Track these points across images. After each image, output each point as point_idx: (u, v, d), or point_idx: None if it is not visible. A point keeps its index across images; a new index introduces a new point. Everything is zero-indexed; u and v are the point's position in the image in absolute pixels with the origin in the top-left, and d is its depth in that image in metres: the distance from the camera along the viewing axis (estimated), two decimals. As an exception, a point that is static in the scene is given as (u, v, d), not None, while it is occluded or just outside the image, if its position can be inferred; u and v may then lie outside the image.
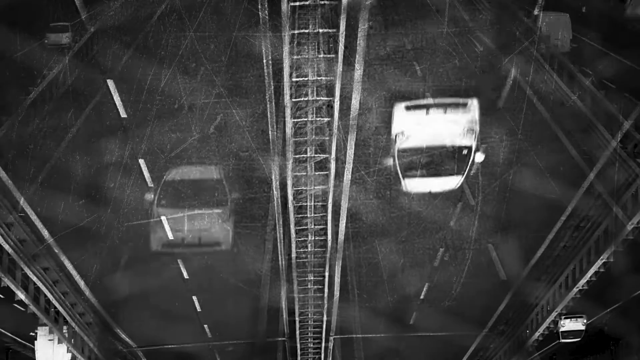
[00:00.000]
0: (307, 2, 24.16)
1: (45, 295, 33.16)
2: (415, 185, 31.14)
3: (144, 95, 32.01)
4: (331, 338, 39.76)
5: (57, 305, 34.11)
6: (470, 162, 30.47)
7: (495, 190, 33.02)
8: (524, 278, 36.12)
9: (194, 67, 33.28)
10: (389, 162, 31.13)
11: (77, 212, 32.32)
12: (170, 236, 34.29)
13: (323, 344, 39.95)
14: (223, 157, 33.01)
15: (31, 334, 35.92)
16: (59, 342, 34.10)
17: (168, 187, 32.33)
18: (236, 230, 34.32)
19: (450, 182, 31.10)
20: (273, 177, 31.01)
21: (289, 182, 28.79)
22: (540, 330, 36.74)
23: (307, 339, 39.59)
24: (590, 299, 34.40)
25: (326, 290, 34.83)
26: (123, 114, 32.39)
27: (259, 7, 27.22)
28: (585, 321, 33.22)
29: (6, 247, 29.78)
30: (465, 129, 29.85)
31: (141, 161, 32.73)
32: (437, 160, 30.47)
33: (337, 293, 35.34)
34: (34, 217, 31.18)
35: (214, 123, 33.07)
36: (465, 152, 30.29)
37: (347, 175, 29.19)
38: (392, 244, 34.83)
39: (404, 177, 31.04)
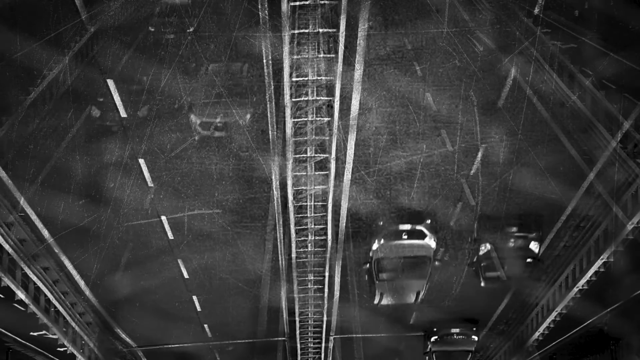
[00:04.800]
0: (307, 2, 24.18)
1: (45, 295, 33.19)
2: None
3: (144, 95, 32.00)
4: (331, 338, 39.78)
5: (57, 305, 34.14)
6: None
7: (495, 190, 33.02)
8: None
9: (194, 67, 33.25)
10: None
11: (77, 212, 32.33)
12: (171, 236, 34.33)
13: (323, 344, 39.97)
14: (223, 157, 33.01)
15: (31, 334, 35.96)
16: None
17: None
18: (236, 230, 34.33)
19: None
20: (273, 177, 31.02)
21: (289, 182, 28.82)
22: (540, 330, 36.75)
23: (307, 339, 39.61)
24: (590, 299, 34.41)
25: (326, 290, 34.85)
26: (123, 114, 32.38)
27: (259, 7, 27.22)
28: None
29: (6, 247, 29.81)
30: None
31: (141, 161, 32.73)
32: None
33: (337, 293, 35.35)
34: (34, 217, 31.18)
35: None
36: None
37: (347, 175, 29.22)
38: (392, 244, 34.78)
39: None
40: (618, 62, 31.64)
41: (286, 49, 24.71)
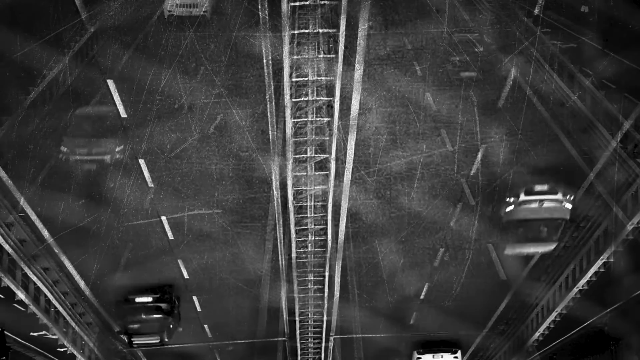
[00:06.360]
0: (307, 2, 24.18)
1: (45, 295, 33.20)
2: None
3: (144, 95, 32.01)
4: (331, 338, 39.77)
5: (57, 305, 34.15)
6: None
7: (495, 190, 33.02)
8: (524, 278, 36.12)
9: (194, 67, 33.27)
10: None
11: (77, 212, 32.33)
12: (171, 236, 34.33)
13: (323, 344, 39.96)
14: (223, 157, 33.02)
15: (31, 334, 35.94)
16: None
17: None
18: (236, 230, 34.33)
19: None
20: (273, 177, 31.02)
21: (289, 182, 28.81)
22: (540, 330, 36.75)
23: (307, 339, 39.60)
24: (590, 299, 34.40)
25: (326, 290, 34.84)
26: (123, 114, 32.39)
27: (259, 7, 27.23)
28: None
29: (6, 247, 29.82)
30: None
31: (141, 161, 32.74)
32: None
33: (337, 293, 35.35)
34: (34, 217, 31.19)
35: (214, 123, 33.08)
36: None
37: (347, 175, 29.21)
38: (392, 244, 34.83)
39: None
40: (618, 62, 31.65)
41: (286, 49, 24.71)
